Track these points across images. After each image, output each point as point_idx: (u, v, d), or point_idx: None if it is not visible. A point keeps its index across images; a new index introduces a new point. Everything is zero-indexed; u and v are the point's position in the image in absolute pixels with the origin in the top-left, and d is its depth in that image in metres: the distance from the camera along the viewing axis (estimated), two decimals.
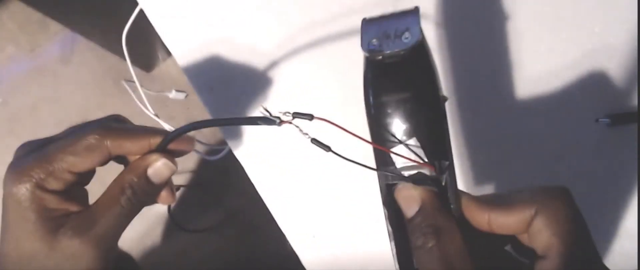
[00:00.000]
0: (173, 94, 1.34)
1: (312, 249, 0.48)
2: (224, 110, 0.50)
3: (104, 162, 0.30)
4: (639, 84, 0.45)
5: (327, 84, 0.49)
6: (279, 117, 0.27)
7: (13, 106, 1.44)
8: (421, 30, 0.26)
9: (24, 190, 0.27)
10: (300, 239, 0.48)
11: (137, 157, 0.31)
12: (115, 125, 0.30)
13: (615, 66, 0.45)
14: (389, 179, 0.28)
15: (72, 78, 1.44)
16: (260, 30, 0.50)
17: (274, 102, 0.49)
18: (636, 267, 0.44)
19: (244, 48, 0.50)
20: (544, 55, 0.46)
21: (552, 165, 0.46)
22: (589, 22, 0.46)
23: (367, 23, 0.28)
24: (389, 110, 0.28)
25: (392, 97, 0.27)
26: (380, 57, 0.27)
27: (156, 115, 0.95)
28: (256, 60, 0.50)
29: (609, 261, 0.45)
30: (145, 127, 0.31)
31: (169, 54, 1.34)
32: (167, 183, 0.32)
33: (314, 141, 0.28)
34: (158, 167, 0.30)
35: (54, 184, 0.28)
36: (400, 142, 0.27)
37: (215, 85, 0.50)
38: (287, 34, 0.50)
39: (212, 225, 1.21)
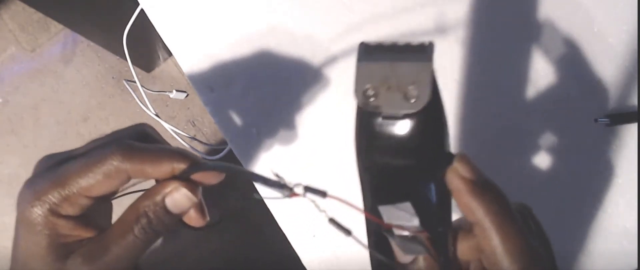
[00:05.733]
0: (173, 94, 1.34)
1: (312, 249, 0.48)
2: (225, 111, 0.50)
3: (123, 185, 0.29)
4: (638, 84, 0.45)
5: (329, 89, 0.49)
6: (291, 189, 0.24)
7: (14, 106, 1.44)
8: (433, 86, 0.21)
9: (36, 214, 0.26)
10: (300, 239, 0.48)
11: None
12: (138, 146, 0.28)
13: (615, 66, 0.45)
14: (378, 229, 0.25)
15: (73, 78, 1.44)
16: (261, 31, 0.50)
17: (274, 102, 0.49)
18: (636, 267, 0.44)
19: (244, 48, 0.50)
20: (543, 55, 0.46)
21: (552, 165, 0.46)
22: (589, 22, 0.46)
23: (364, 56, 0.22)
24: (383, 174, 0.24)
25: (388, 162, 0.23)
26: (376, 115, 0.22)
27: (157, 115, 0.95)
28: (257, 60, 0.50)
29: (609, 261, 0.45)
30: (171, 149, 0.28)
31: (169, 53, 1.34)
32: (188, 211, 0.30)
33: (333, 222, 0.24)
34: (177, 198, 0.28)
35: (69, 209, 0.27)
36: (392, 204, 0.23)
37: (216, 86, 0.50)
38: (288, 35, 0.50)
39: (212, 225, 1.22)
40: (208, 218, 0.31)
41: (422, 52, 0.21)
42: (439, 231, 0.25)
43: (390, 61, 0.21)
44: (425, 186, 0.24)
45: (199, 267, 1.27)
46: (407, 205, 0.23)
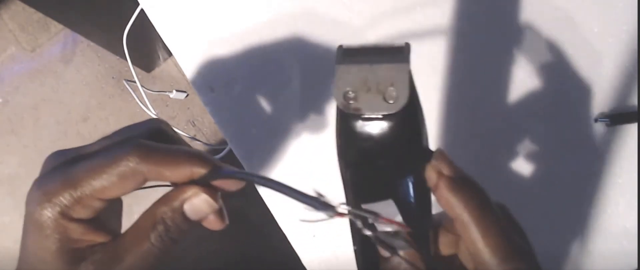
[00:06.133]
0: (174, 94, 1.34)
1: (312, 249, 0.48)
2: (225, 111, 0.50)
3: (138, 187, 0.27)
4: (638, 84, 0.45)
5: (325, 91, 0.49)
6: (334, 208, 0.23)
7: (14, 106, 1.44)
8: (411, 86, 0.22)
9: (46, 217, 0.24)
10: (300, 239, 0.48)
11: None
12: (156, 147, 0.26)
13: (615, 66, 0.45)
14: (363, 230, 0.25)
15: (73, 78, 1.44)
16: (261, 31, 0.50)
17: (274, 103, 0.49)
18: (636, 267, 0.44)
19: (244, 48, 0.50)
20: (543, 55, 0.46)
21: (552, 165, 0.46)
22: (589, 22, 0.46)
23: (343, 59, 0.22)
24: (365, 173, 0.24)
25: (369, 161, 0.24)
26: (356, 117, 0.23)
27: (157, 115, 0.95)
28: (257, 60, 0.50)
29: (609, 261, 0.45)
30: (190, 151, 0.27)
31: (169, 53, 1.34)
32: (206, 218, 0.28)
33: (379, 241, 0.24)
34: (196, 204, 0.26)
35: (80, 213, 0.25)
36: (374, 202, 0.24)
37: (216, 86, 0.50)
38: (288, 35, 0.50)
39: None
40: (227, 221, 0.29)
41: (399, 54, 0.22)
42: (420, 226, 0.25)
43: (369, 63, 0.22)
44: (405, 183, 0.25)
45: (199, 267, 1.27)
46: (389, 202, 0.24)
